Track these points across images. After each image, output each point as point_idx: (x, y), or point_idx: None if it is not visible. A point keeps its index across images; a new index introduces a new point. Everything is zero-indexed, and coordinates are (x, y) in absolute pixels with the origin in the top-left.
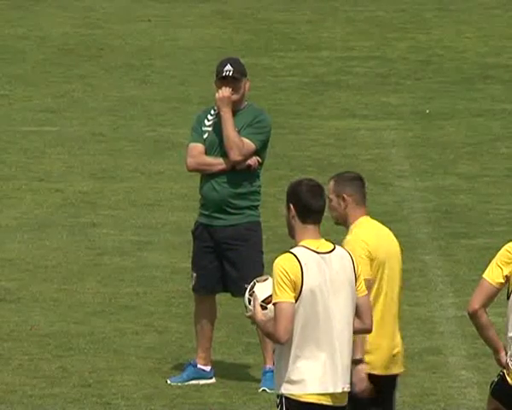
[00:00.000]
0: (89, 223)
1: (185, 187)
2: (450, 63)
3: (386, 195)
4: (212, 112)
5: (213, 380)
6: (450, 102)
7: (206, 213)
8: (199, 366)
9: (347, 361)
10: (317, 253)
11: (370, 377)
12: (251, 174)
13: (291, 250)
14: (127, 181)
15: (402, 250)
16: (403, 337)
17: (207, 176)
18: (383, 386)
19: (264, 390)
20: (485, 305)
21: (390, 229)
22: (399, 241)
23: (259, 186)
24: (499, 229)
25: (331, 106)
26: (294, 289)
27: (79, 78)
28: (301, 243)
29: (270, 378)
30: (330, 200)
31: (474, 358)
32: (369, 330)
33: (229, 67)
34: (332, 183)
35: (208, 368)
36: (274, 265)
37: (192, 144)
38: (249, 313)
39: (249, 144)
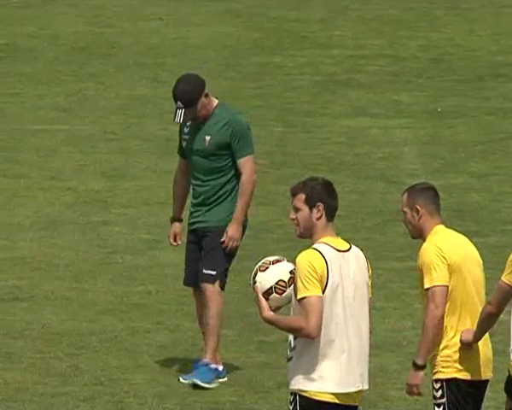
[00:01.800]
0: (100, 221)
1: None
2: (462, 62)
3: (397, 193)
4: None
5: (225, 379)
6: (462, 100)
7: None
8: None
9: (364, 361)
10: (338, 250)
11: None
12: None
13: (314, 247)
14: (139, 180)
15: (413, 249)
16: (416, 336)
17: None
18: (479, 392)
19: (193, 382)
20: (502, 307)
21: (401, 228)
22: (411, 240)
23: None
24: (511, 227)
25: (342, 104)
26: (321, 284)
27: (91, 76)
28: (322, 240)
29: (204, 372)
30: (405, 213)
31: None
32: (370, 332)
33: (179, 104)
34: (405, 196)
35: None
36: (298, 260)
37: (179, 159)
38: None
39: (250, 164)
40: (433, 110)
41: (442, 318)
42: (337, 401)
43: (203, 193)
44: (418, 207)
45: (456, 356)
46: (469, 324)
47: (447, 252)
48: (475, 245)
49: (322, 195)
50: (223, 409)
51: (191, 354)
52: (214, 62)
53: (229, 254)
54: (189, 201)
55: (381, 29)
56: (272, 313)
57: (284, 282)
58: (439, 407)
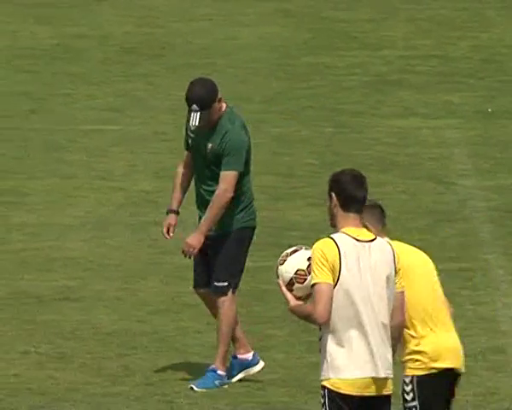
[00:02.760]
0: (151, 222)
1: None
2: None
3: (448, 194)
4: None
5: (262, 364)
6: None
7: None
8: (239, 356)
9: (384, 352)
10: (357, 240)
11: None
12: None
13: (331, 235)
14: None
15: (464, 249)
16: (466, 337)
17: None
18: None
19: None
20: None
21: (452, 228)
22: (462, 240)
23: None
24: None
25: (393, 105)
26: (333, 272)
27: (141, 77)
28: (342, 230)
29: (207, 377)
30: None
31: None
32: (399, 326)
33: (195, 107)
34: None
35: (250, 355)
36: (313, 248)
37: (184, 151)
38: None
39: (231, 179)
40: (483, 110)
41: None
42: (358, 392)
43: (205, 199)
44: (367, 225)
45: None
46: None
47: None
48: None
49: (339, 185)
50: (274, 409)
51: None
52: (264, 63)
53: (238, 258)
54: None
55: (432, 29)
56: (297, 302)
57: (303, 270)
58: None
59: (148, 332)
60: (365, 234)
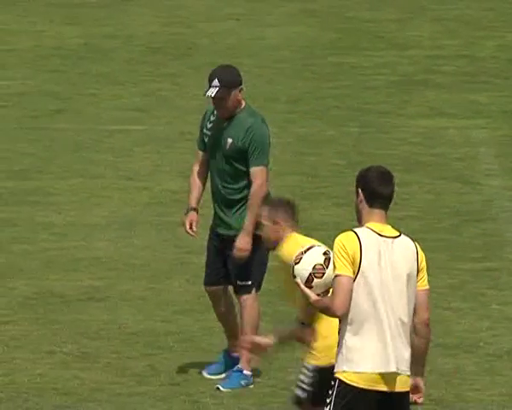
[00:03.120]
0: (177, 222)
1: (273, 186)
2: None
3: (474, 194)
4: (215, 112)
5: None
6: None
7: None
8: (234, 354)
9: (401, 351)
10: (381, 235)
11: None
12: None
13: (353, 229)
14: None
15: (490, 249)
16: (491, 337)
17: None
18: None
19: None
20: None
21: (478, 228)
22: (488, 240)
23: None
24: None
25: (419, 105)
26: (353, 265)
27: (167, 77)
28: (366, 225)
29: (233, 377)
30: (264, 226)
31: None
32: (423, 324)
33: (215, 82)
34: (265, 210)
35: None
36: (335, 240)
37: (197, 151)
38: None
39: (262, 174)
40: (510, 110)
41: None
42: (371, 386)
43: (224, 197)
44: (279, 220)
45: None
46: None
47: None
48: None
49: (365, 181)
50: None
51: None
52: (290, 63)
53: (261, 258)
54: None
55: (458, 29)
56: (317, 296)
57: (321, 264)
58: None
59: (174, 332)
60: (389, 230)
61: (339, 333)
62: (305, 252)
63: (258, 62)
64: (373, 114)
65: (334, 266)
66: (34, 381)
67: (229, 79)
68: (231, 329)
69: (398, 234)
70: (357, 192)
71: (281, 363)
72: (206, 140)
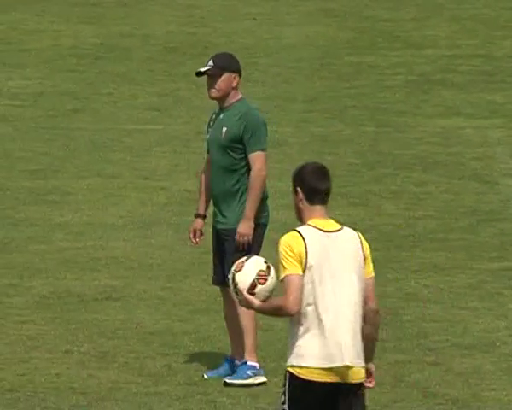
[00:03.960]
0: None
1: (290, 185)
2: None
3: (491, 193)
4: (217, 111)
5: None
6: None
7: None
8: (236, 361)
9: (353, 341)
10: (323, 231)
11: None
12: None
13: (296, 228)
14: None
15: (507, 249)
16: (509, 336)
17: None
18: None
19: (225, 382)
20: None
21: (495, 228)
22: (505, 239)
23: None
24: None
25: (436, 104)
26: (300, 264)
27: (184, 76)
28: (308, 223)
29: (240, 370)
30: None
31: None
32: (374, 311)
33: (210, 62)
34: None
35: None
36: (279, 242)
37: (206, 155)
38: (243, 304)
39: (260, 159)
40: None
41: None
42: (324, 378)
43: (218, 191)
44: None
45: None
46: None
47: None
48: None
49: (302, 178)
50: None
51: (283, 354)
52: (307, 62)
53: (255, 253)
54: None
55: (476, 29)
56: (259, 302)
57: (263, 271)
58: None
59: (191, 332)
60: (332, 224)
61: (290, 333)
62: (247, 260)
63: (275, 62)
64: (390, 114)
65: (284, 267)
66: (51, 380)
67: (224, 61)
68: (236, 334)
69: (341, 227)
70: (296, 191)
71: None
72: (207, 137)
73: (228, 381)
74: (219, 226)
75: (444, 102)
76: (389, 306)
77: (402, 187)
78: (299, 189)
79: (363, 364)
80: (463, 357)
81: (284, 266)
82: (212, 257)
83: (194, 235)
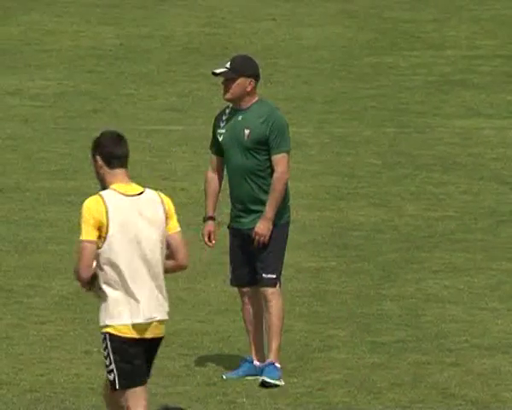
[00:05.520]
0: None
1: (310, 186)
2: None
3: (511, 194)
4: (227, 111)
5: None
6: None
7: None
8: (255, 363)
9: (161, 293)
10: (126, 195)
11: None
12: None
13: (99, 193)
14: None
15: None
16: None
17: None
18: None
19: (263, 380)
20: None
21: None
22: None
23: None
24: None
25: (456, 105)
26: (100, 229)
27: (204, 77)
28: (111, 187)
29: (272, 370)
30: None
31: None
32: (183, 266)
33: (227, 64)
34: None
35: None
36: (82, 206)
37: (211, 156)
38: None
39: (284, 161)
40: None
41: None
42: (135, 335)
43: (243, 193)
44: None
45: None
46: None
47: None
48: None
49: (100, 145)
50: None
51: (303, 355)
52: (327, 63)
53: (282, 253)
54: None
55: (496, 29)
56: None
57: None
58: None
59: (210, 332)
60: (133, 188)
61: (102, 293)
62: None
63: (295, 63)
64: (410, 115)
65: (81, 232)
66: (71, 381)
67: (240, 65)
68: (260, 335)
69: (143, 190)
70: (96, 159)
71: (316, 363)
72: (220, 139)
73: (268, 380)
74: (246, 227)
75: (464, 103)
76: (409, 306)
77: (422, 188)
78: (98, 156)
79: (166, 318)
80: (483, 358)
81: (81, 231)
82: (229, 258)
83: (209, 238)
